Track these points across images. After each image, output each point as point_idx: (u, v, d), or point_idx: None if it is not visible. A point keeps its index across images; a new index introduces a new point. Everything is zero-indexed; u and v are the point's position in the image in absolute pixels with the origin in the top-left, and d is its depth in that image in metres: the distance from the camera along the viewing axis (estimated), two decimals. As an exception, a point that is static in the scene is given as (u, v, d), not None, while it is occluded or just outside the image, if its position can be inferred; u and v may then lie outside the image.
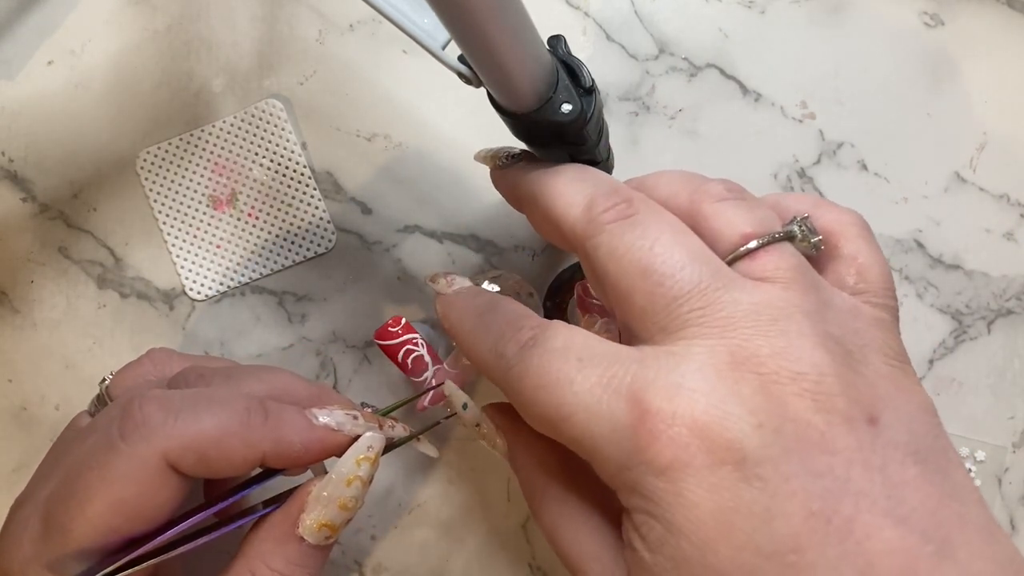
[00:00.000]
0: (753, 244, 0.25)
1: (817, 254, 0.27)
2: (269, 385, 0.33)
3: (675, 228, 0.26)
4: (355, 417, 0.32)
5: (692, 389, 0.23)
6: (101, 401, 0.35)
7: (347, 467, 0.30)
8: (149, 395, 0.29)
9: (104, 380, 0.36)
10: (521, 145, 0.36)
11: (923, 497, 0.22)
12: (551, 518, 0.28)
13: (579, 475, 0.28)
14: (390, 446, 0.33)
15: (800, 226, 0.26)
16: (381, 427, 0.32)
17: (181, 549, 0.29)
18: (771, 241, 0.25)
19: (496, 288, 0.38)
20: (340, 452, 0.31)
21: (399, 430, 0.33)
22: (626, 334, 0.26)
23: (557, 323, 0.26)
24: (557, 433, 0.25)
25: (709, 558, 0.21)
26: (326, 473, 0.31)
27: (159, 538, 0.29)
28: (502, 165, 0.33)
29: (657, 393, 0.23)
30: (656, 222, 0.26)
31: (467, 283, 0.32)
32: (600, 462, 0.24)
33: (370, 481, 0.31)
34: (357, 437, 0.31)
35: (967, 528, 0.22)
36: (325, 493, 0.30)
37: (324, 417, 0.31)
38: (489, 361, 0.27)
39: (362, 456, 0.31)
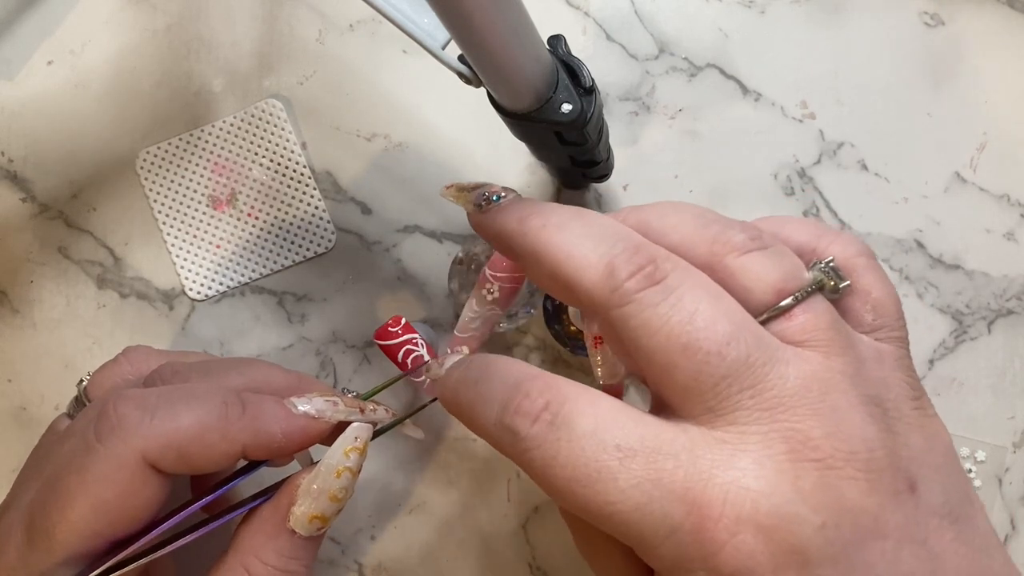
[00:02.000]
0: (787, 302, 0.24)
1: (840, 297, 0.26)
2: (248, 378, 0.32)
3: (711, 293, 0.24)
4: (335, 403, 0.31)
5: (753, 489, 0.22)
6: (79, 403, 0.34)
7: (336, 458, 0.30)
8: (125, 394, 0.29)
9: (82, 381, 0.36)
10: (521, 147, 0.36)
11: (959, 560, 0.23)
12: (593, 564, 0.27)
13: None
14: (377, 431, 0.33)
15: (826, 272, 0.26)
16: (363, 411, 0.32)
17: (169, 547, 0.29)
18: (804, 297, 0.24)
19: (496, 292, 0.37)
20: (323, 439, 0.31)
21: (381, 413, 0.33)
22: (658, 401, 0.25)
23: (572, 390, 0.24)
24: (597, 522, 0.23)
25: None
26: (312, 462, 0.31)
27: (145, 538, 0.28)
28: (483, 209, 0.29)
29: (716, 494, 0.22)
30: (690, 287, 0.23)
31: (460, 356, 0.31)
32: (650, 556, 0.23)
33: (359, 471, 0.31)
34: (339, 424, 0.31)
35: None
36: (315, 485, 0.30)
37: (303, 405, 0.31)
38: (500, 437, 0.24)
39: (350, 447, 0.30)
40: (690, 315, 0.23)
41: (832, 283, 0.26)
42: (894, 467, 0.23)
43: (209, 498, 0.31)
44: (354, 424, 0.31)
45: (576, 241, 0.25)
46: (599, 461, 0.22)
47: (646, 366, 0.24)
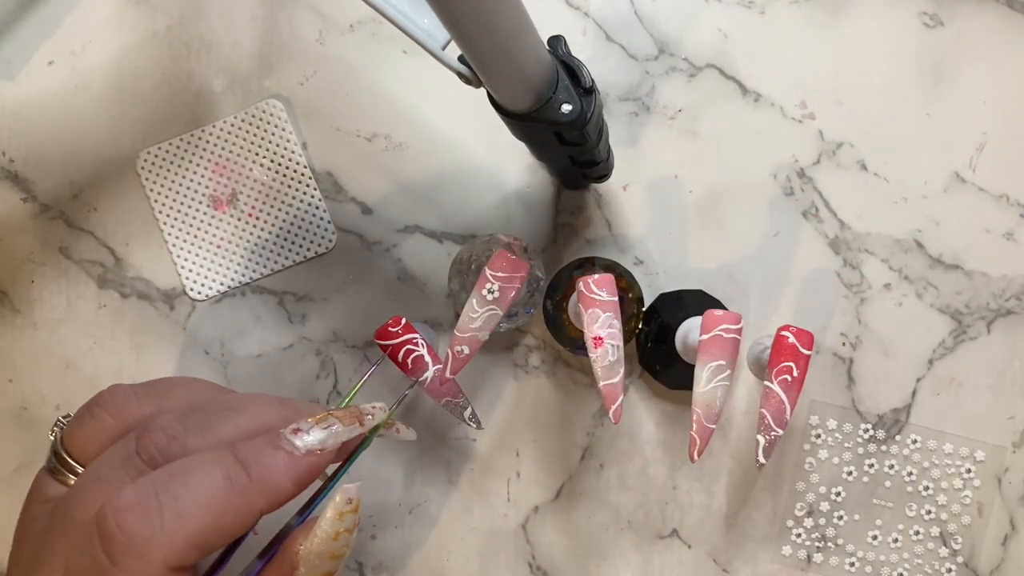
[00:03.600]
0: None
1: None
2: (241, 428, 0.30)
3: None
4: (333, 427, 0.30)
5: None
6: (58, 457, 0.31)
7: (330, 525, 0.29)
8: (122, 505, 0.26)
9: (55, 427, 0.33)
10: (521, 147, 0.36)
11: None
12: None
13: None
14: (364, 439, 0.33)
15: None
16: (362, 423, 0.31)
17: None
18: None
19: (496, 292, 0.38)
20: (333, 461, 0.30)
21: (379, 415, 0.32)
22: None
23: None
24: None
25: None
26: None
27: None
28: None
29: None
30: None
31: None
32: None
33: (356, 526, 0.30)
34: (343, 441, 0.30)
35: None
36: (315, 549, 0.29)
37: (302, 441, 0.29)
38: None
39: (344, 510, 0.29)
40: None
41: None
42: None
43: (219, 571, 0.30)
44: (344, 487, 0.30)
45: None
46: None
47: None
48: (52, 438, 0.32)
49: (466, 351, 0.37)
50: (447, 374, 0.37)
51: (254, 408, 0.31)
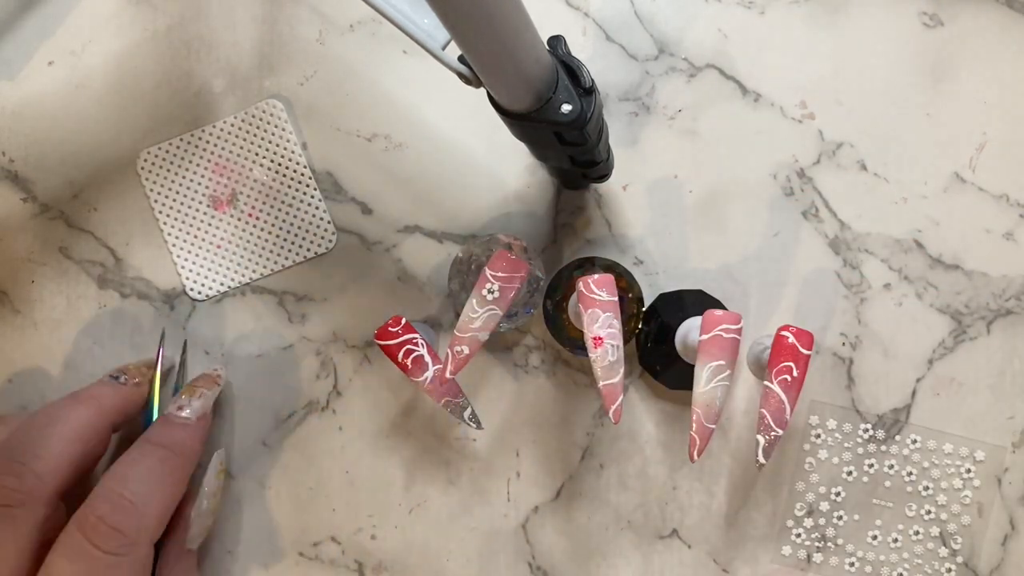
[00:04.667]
0: None
1: None
2: (68, 438, 0.38)
3: None
4: (204, 393, 0.41)
5: None
6: None
7: (211, 484, 0.40)
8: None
9: None
10: (521, 147, 0.37)
11: None
12: None
13: None
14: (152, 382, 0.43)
15: None
16: (217, 382, 0.42)
17: None
18: None
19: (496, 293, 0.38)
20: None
21: (223, 372, 0.44)
22: None
23: None
24: None
25: None
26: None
27: None
28: None
29: None
30: None
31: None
32: None
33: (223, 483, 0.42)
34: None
35: None
36: (204, 508, 0.39)
37: (190, 413, 0.39)
38: None
39: (220, 470, 0.41)
40: None
41: None
42: None
43: None
44: (217, 452, 0.41)
45: None
46: None
47: None
48: None
49: (466, 351, 0.37)
50: (447, 374, 0.37)
51: (66, 412, 0.38)
